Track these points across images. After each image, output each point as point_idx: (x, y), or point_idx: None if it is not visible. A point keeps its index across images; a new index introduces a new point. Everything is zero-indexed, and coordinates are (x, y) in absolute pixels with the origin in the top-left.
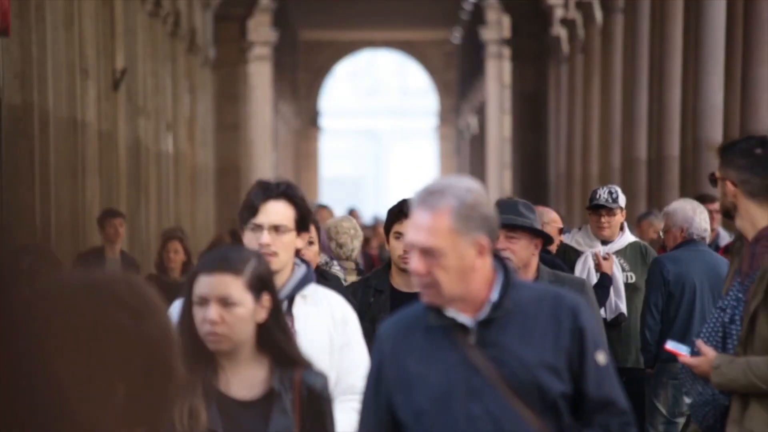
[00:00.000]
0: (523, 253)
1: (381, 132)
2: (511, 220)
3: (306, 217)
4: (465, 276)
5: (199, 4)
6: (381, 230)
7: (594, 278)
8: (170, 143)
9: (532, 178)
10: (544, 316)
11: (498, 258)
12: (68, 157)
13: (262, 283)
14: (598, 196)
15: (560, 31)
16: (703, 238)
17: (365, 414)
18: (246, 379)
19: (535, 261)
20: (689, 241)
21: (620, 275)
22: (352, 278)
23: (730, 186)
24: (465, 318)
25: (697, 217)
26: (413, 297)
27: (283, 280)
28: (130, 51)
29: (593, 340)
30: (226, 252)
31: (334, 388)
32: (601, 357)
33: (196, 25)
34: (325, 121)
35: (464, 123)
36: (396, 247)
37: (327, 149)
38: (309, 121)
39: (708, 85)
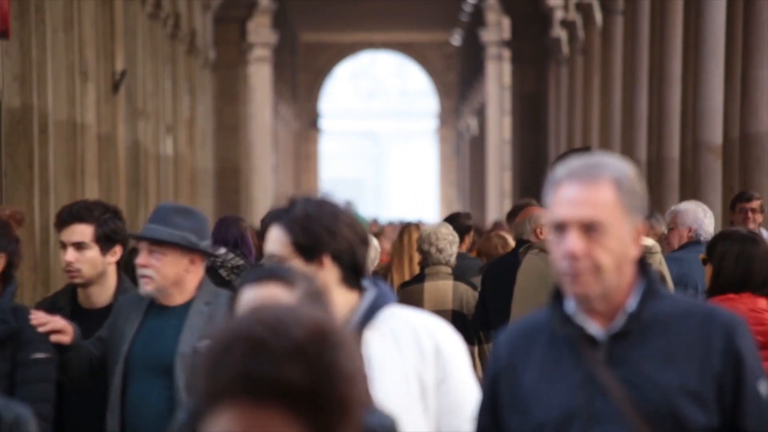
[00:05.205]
0: (169, 270)
1: (381, 134)
2: (153, 232)
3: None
4: (621, 265)
5: (199, 5)
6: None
7: None
8: (170, 145)
9: (533, 180)
10: (690, 335)
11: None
12: (68, 159)
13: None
14: None
15: (560, 33)
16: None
17: None
18: None
19: (192, 279)
20: (695, 242)
21: None
22: (448, 283)
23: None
24: (595, 329)
25: (707, 219)
26: (96, 314)
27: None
28: (130, 53)
29: (753, 367)
30: (274, 267)
31: None
32: (764, 388)
33: (196, 26)
34: (325, 122)
35: (464, 125)
36: (61, 258)
37: (327, 151)
38: (309, 122)
39: (708, 86)
